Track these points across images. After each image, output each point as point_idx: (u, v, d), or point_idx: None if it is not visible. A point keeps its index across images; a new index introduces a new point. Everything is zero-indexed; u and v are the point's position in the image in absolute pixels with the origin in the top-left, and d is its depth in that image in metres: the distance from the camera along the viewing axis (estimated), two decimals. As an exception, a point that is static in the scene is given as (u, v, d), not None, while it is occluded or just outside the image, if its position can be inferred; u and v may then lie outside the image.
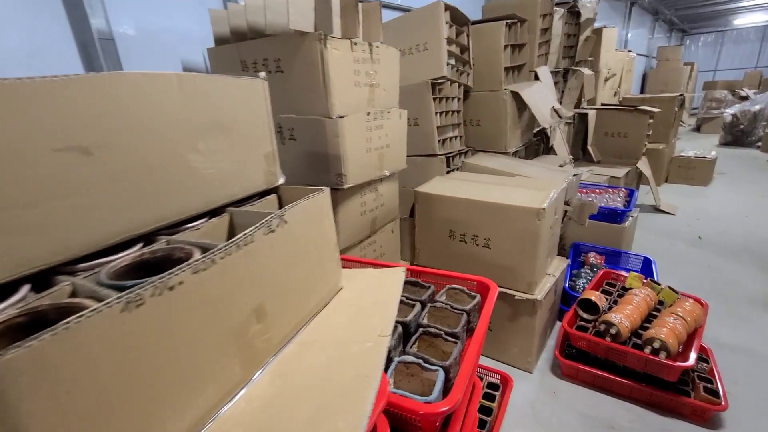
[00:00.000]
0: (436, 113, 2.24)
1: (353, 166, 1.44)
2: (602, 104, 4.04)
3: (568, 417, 1.57)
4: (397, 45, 2.38)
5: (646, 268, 2.33)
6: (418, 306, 0.96)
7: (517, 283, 1.72)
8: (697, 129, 8.29)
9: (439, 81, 2.24)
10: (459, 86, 2.47)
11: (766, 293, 2.33)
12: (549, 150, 3.29)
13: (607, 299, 1.86)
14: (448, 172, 2.37)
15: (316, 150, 1.42)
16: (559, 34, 3.21)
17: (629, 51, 5.24)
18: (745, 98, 7.54)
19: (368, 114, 1.49)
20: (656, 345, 1.47)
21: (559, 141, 3.22)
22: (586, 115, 3.61)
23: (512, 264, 1.70)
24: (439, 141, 2.29)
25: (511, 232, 1.66)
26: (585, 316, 1.76)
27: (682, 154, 4.70)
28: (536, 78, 2.84)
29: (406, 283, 1.08)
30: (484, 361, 1.87)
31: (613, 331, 1.57)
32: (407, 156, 2.39)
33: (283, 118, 1.46)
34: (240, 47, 1.45)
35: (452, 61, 2.35)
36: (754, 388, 1.64)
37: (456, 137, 2.53)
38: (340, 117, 1.36)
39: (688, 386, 1.55)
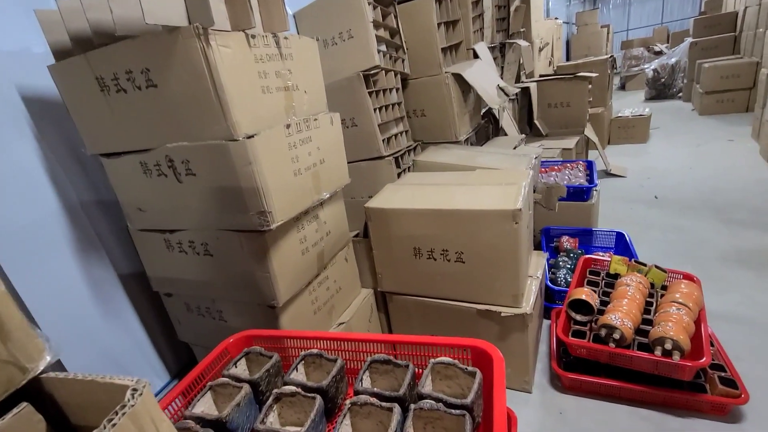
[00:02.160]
0: (375, 109, 1.92)
1: (280, 197, 1.09)
2: (541, 75, 3.94)
3: (582, 442, 1.35)
4: (316, 35, 2.04)
5: (621, 243, 2.20)
6: (396, 411, 0.65)
7: (500, 297, 1.46)
8: (623, 87, 8.66)
9: (372, 72, 1.92)
10: (395, 75, 2.17)
11: (736, 247, 2.29)
12: (498, 131, 3.11)
13: (595, 292, 1.67)
14: (399, 175, 2.07)
15: (225, 185, 1.06)
16: (490, 6, 3.00)
17: (556, 18, 5.22)
18: (660, 53, 7.96)
19: (288, 126, 1.14)
20: (668, 346, 1.28)
21: (508, 120, 3.04)
22: (528, 88, 3.46)
23: (492, 277, 1.44)
24: (383, 140, 1.99)
25: (486, 240, 1.40)
26: (578, 318, 1.55)
27: (620, 114, 4.76)
28: (475, 56, 2.61)
29: (375, 362, 0.78)
30: (477, 388, 1.62)
31: (616, 335, 1.36)
32: (349, 163, 2.07)
33: (172, 149, 1.07)
34: (90, 59, 1.03)
35: (383, 48, 2.04)
36: (760, 363, 1.52)
37: (401, 133, 2.24)
38: (249, 137, 1.01)
39: (701, 379, 1.39)
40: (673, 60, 6.70)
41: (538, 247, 2.28)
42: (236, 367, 0.85)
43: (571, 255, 2.08)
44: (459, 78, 2.33)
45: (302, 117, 1.21)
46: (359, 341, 0.84)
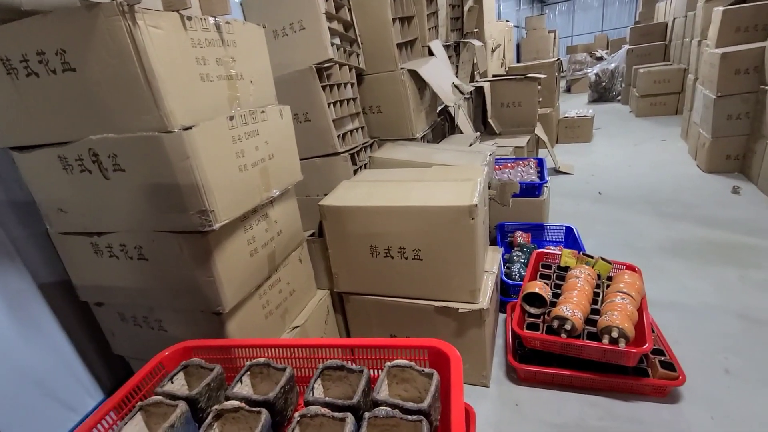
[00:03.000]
0: (329, 104, 1.86)
1: (223, 195, 1.01)
2: (494, 75, 4.05)
3: (537, 433, 1.38)
4: (264, 24, 1.94)
5: (570, 237, 2.29)
6: (350, 421, 0.61)
7: (458, 293, 1.46)
8: (568, 90, 9.15)
9: (325, 65, 1.85)
10: (350, 70, 2.12)
11: (670, 239, 2.46)
12: (454, 129, 3.14)
13: (547, 284, 1.72)
14: (355, 172, 2.02)
15: (160, 182, 0.96)
16: (444, 5, 3.03)
17: (507, 21, 5.40)
18: (601, 58, 8.50)
19: (232, 118, 1.05)
20: (614, 334, 1.33)
21: (463, 118, 3.08)
22: (482, 88, 3.54)
23: (450, 274, 1.44)
24: (338, 136, 1.93)
25: (443, 237, 1.39)
26: (532, 311, 1.58)
27: (566, 115, 5.00)
28: (430, 53, 2.62)
29: (328, 369, 0.72)
30: (436, 386, 1.61)
31: (567, 326, 1.40)
32: (303, 159, 1.99)
33: (96, 141, 0.96)
34: (-9, 36, 0.89)
35: (337, 41, 1.98)
36: (694, 345, 1.64)
37: (357, 129, 2.19)
38: (186, 128, 0.92)
39: (644, 363, 1.47)
40: (613, 65, 7.17)
41: (493, 242, 2.33)
42: (173, 382, 0.77)
43: (525, 249, 2.14)
44: (415, 75, 2.32)
45: (248, 109, 1.13)
46: (310, 347, 0.78)
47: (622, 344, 1.33)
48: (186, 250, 1.03)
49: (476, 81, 3.67)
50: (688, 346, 1.63)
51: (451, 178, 1.58)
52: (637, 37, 6.65)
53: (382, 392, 0.68)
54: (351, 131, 2.12)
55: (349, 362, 0.72)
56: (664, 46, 6.28)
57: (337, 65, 1.96)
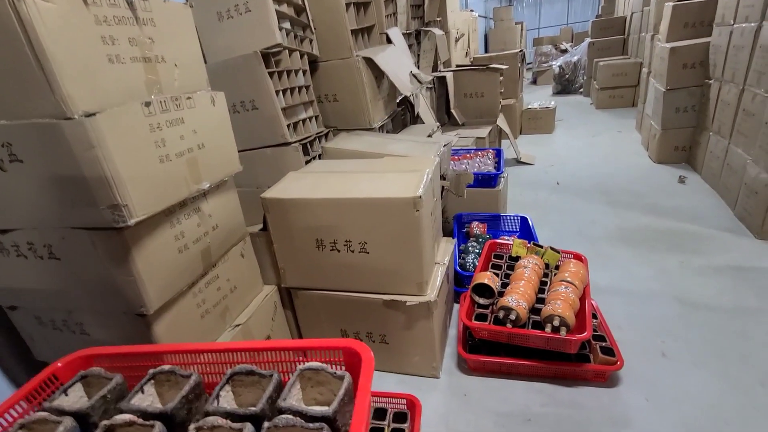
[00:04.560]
0: (277, 92, 1.78)
1: (140, 187, 0.93)
2: (457, 65, 4.04)
3: (483, 422, 1.39)
4: (209, 6, 1.83)
5: (524, 227, 2.32)
6: (248, 431, 0.57)
7: (405, 286, 1.44)
8: (534, 82, 9.31)
9: (273, 51, 1.77)
10: (302, 56, 2.03)
11: (619, 227, 2.55)
12: (416, 119, 3.11)
13: (497, 274, 1.73)
14: (308, 162, 1.96)
15: (64, 173, 0.87)
16: (404, -8, 2.97)
17: (471, 11, 5.39)
18: (565, 51, 8.68)
19: (148, 104, 0.97)
20: (556, 323, 1.35)
21: (424, 108, 3.06)
22: (444, 78, 3.52)
23: (396, 267, 1.41)
24: (289, 126, 1.85)
25: (388, 230, 1.36)
26: (481, 301, 1.59)
27: (529, 106, 5.08)
28: (388, 41, 2.56)
29: (237, 375, 0.68)
30: (387, 379, 1.60)
31: (512, 316, 1.42)
32: (252, 150, 1.91)
33: (-14, 128, 0.86)
34: None
35: (287, 25, 1.89)
36: (635, 330, 1.70)
37: (311, 118, 2.12)
38: (90, 115, 0.83)
39: (586, 350, 1.51)
40: (576, 58, 7.33)
41: (450, 233, 2.33)
42: (67, 395, 0.70)
43: (480, 240, 2.15)
44: (372, 63, 2.27)
45: (171, 94, 1.05)
46: (218, 352, 0.74)
47: (563, 332, 1.35)
48: (100, 248, 0.95)
49: (439, 71, 3.65)
50: (629, 331, 1.69)
51: (400, 168, 1.55)
52: (598, 30, 6.81)
53: (293, 396, 0.64)
54: (303, 120, 2.04)
55: (260, 366, 0.68)
56: (623, 40, 6.47)
57: (287, 51, 1.87)
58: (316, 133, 2.12)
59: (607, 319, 1.71)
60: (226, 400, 0.66)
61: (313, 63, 2.23)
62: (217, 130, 1.23)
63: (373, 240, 1.39)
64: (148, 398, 0.69)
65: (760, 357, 1.51)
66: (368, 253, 1.42)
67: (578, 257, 1.76)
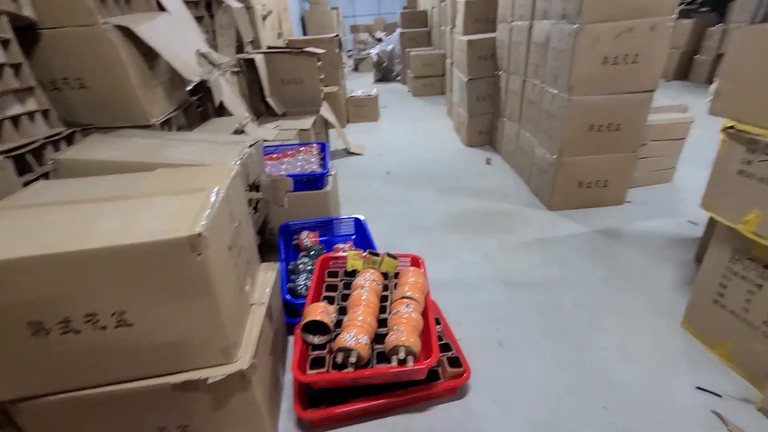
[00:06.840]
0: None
1: None
2: (269, 47, 3.56)
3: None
4: None
5: (359, 230, 2.12)
6: None
7: (203, 356, 1.01)
8: (356, 69, 9.47)
9: None
10: (6, 17, 1.28)
11: (449, 213, 2.61)
12: (222, 111, 2.55)
13: (333, 298, 1.46)
14: (27, 185, 1.26)
15: None
16: (181, -53, 2.32)
17: (280, -13, 4.90)
18: (380, 40, 9.05)
19: None
20: (401, 355, 1.15)
21: (230, 96, 2.51)
22: (253, 60, 3.02)
23: (182, 335, 0.96)
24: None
25: (158, 286, 0.89)
26: (316, 341, 1.28)
27: (353, 94, 4.99)
28: (161, 8, 1.93)
29: None
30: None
31: (353, 358, 1.15)
32: None
33: None
34: None
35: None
36: (474, 322, 1.67)
37: (32, 114, 1.39)
38: None
39: (436, 366, 1.37)
40: (390, 47, 7.67)
41: (275, 249, 1.94)
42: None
43: (312, 253, 1.84)
44: (134, 36, 1.63)
45: None
46: None
47: (410, 363, 1.16)
48: None
49: (247, 53, 3.12)
50: (468, 326, 1.65)
51: (175, 188, 1.07)
52: (406, 21, 7.24)
53: None
54: (16, 118, 1.31)
55: None
56: (428, 32, 7.04)
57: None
58: (45, 137, 1.40)
59: (447, 317, 1.64)
60: None
61: (26, 29, 1.47)
62: None
63: (136, 306, 0.90)
64: None
65: (571, 326, 1.64)
66: (131, 325, 0.92)
67: (415, 261, 1.62)
